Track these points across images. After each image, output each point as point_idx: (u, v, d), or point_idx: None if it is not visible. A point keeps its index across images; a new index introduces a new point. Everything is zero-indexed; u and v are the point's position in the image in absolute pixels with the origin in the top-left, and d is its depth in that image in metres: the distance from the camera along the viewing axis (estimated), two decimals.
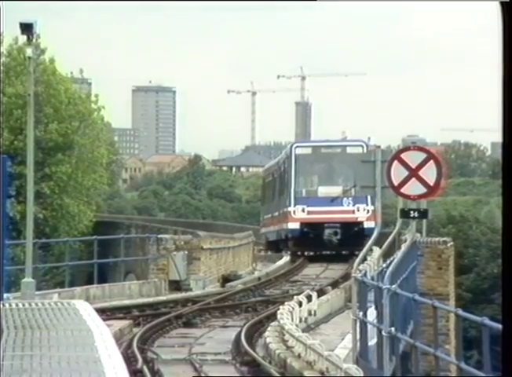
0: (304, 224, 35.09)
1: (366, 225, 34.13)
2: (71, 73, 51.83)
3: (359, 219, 34.58)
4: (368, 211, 34.26)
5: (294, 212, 35.12)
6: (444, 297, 25.84)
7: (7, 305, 14.82)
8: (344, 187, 35.05)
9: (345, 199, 34.81)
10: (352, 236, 33.99)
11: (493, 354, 10.53)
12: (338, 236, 34.95)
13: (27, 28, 18.87)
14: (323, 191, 35.34)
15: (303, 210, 35.09)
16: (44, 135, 42.69)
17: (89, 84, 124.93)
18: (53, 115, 43.84)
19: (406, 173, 14.66)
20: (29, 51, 19.58)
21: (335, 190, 35.01)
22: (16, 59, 43.30)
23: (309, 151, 36.24)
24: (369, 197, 33.08)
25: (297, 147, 36.49)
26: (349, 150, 34.91)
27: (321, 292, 22.80)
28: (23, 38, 21.10)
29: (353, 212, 34.73)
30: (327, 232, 34.91)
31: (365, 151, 32.99)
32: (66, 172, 43.93)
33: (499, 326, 10.04)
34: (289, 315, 17.49)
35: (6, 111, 41.25)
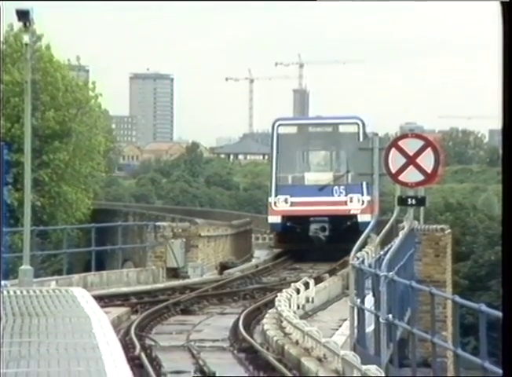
0: (286, 217, 29.49)
1: (360, 218, 28.89)
2: (68, 60, 51.72)
3: (352, 212, 29.28)
4: (363, 202, 29.23)
5: (275, 203, 29.57)
6: (441, 284, 25.88)
7: (5, 292, 14.83)
8: (335, 173, 29.87)
9: (335, 187, 29.50)
10: (343, 232, 28.39)
11: (490, 340, 10.56)
12: (326, 233, 29.26)
13: (23, 15, 18.83)
14: (311, 178, 29.77)
15: (286, 201, 29.44)
16: (41, 123, 42.63)
17: (87, 71, 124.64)
18: (51, 103, 43.75)
19: (404, 160, 14.66)
20: (26, 38, 19.54)
21: (324, 177, 29.69)
22: (12, 46, 43.18)
23: (293, 130, 30.34)
24: (364, 185, 28.80)
25: (279, 125, 30.27)
26: (341, 129, 29.80)
27: (319, 279, 22.83)
28: (18, 25, 21.05)
29: (345, 203, 29.36)
30: (312, 227, 29.21)
31: (361, 130, 29.30)
32: (63, 159, 43.90)
33: (496, 312, 10.06)
34: (286, 302, 17.52)
35: (3, 99, 41.17)
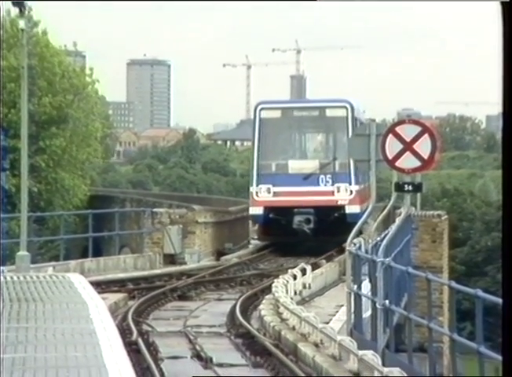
0: (269, 208, 27.15)
1: (348, 209, 26.78)
2: (65, 46, 51.62)
3: (339, 202, 26.97)
4: (351, 192, 26.96)
5: (257, 193, 27.15)
6: (437, 270, 25.93)
7: (2, 278, 14.85)
8: (322, 161, 27.47)
9: (322, 176, 27.11)
10: (330, 224, 26.64)
11: (486, 326, 10.60)
12: (311, 225, 26.81)
13: (19, 0, 18.78)
14: (295, 166, 27.28)
15: (268, 191, 27.07)
16: (38, 108, 42.54)
17: (84, 57, 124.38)
18: (47, 89, 43.66)
19: (400, 146, 14.66)
20: (22, 23, 19.49)
21: (310, 165, 27.29)
22: (8, 31, 43.05)
23: (277, 114, 27.74)
24: (353, 174, 26.89)
25: (262, 108, 27.71)
26: (329, 113, 27.40)
27: (316, 265, 22.87)
28: (15, 11, 20.99)
29: (332, 193, 27.02)
30: (296, 219, 26.80)
31: (349, 114, 27.00)
32: (60, 145, 43.84)
33: (492, 298, 10.09)
34: (283, 288, 17.56)
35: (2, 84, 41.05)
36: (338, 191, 27.04)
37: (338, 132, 27.62)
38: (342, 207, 26.93)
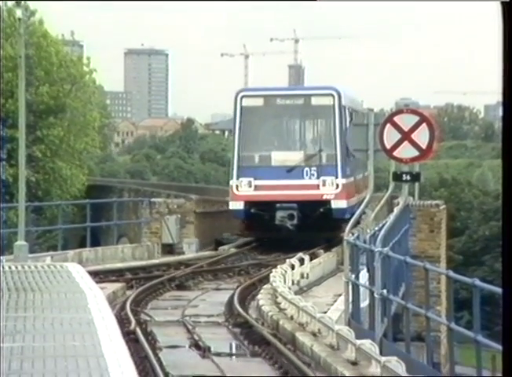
0: (250, 203, 25.48)
1: (334, 204, 25.26)
2: (63, 35, 51.51)
3: (325, 197, 25.35)
4: (338, 186, 25.36)
5: (237, 187, 25.50)
6: (435, 259, 25.97)
7: (0, 267, 14.85)
8: (306, 152, 25.82)
9: (306, 169, 25.46)
10: (315, 220, 25.13)
11: (483, 315, 10.62)
12: (295, 221, 25.07)
13: None
14: (278, 158, 25.62)
15: (249, 185, 25.41)
16: (35, 98, 42.49)
17: (81, 47, 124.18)
18: (44, 78, 43.59)
19: (399, 136, 14.67)
20: (19, 13, 19.45)
21: (294, 156, 25.62)
22: (5, 21, 42.95)
23: (259, 102, 25.99)
24: (340, 167, 25.42)
25: (243, 96, 25.99)
26: (314, 101, 25.75)
27: (313, 255, 22.89)
28: (12, 1, 20.93)
29: (317, 187, 25.37)
30: (279, 214, 25.14)
31: (336, 102, 25.44)
32: (58, 135, 43.80)
33: (490, 287, 10.11)
34: (281, 278, 17.58)
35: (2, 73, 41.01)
36: (324, 184, 25.46)
37: (325, 121, 26.33)
38: (328, 202, 25.38)
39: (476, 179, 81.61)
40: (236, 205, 25.73)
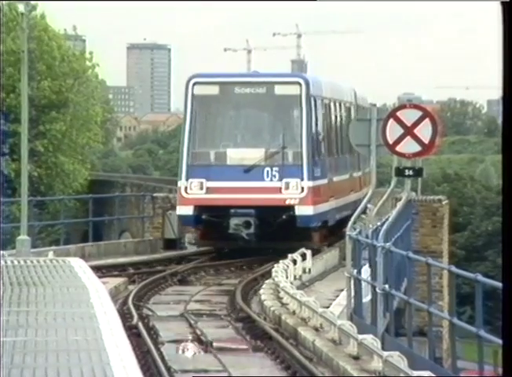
0: (201, 208, 22.11)
1: (298, 210, 21.76)
2: (65, 30, 51.47)
3: (288, 202, 21.87)
4: (303, 189, 21.89)
5: (186, 189, 22.14)
6: (437, 254, 25.96)
7: (2, 262, 14.87)
8: (268, 149, 22.26)
9: (267, 169, 21.98)
10: (276, 229, 21.81)
11: (485, 310, 10.62)
12: (252, 229, 21.62)
13: None
14: (235, 156, 22.25)
15: (200, 186, 22.06)
16: (37, 92, 42.48)
17: (84, 41, 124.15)
18: (47, 72, 43.58)
19: (401, 131, 14.66)
20: (21, 7, 19.44)
21: (253, 154, 22.10)
22: (6, 15, 42.95)
23: (214, 90, 22.57)
24: (306, 167, 22.00)
25: (195, 83, 22.57)
26: (278, 90, 22.34)
27: (316, 250, 22.89)
28: None
29: (279, 190, 21.93)
30: (233, 222, 21.67)
31: (303, 91, 22.12)
32: (60, 130, 43.80)
33: (492, 282, 10.12)
34: (284, 273, 17.59)
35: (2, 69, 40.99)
36: (287, 187, 21.93)
37: (290, 114, 22.86)
38: (291, 208, 21.86)
39: (479, 174, 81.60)
40: (185, 210, 22.23)
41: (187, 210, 22.26)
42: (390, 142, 14.75)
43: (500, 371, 6.57)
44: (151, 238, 26.79)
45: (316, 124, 22.88)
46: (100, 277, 14.76)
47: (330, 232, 23.89)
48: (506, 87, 5.43)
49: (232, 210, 21.77)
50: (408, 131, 14.65)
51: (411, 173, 14.89)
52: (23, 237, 19.64)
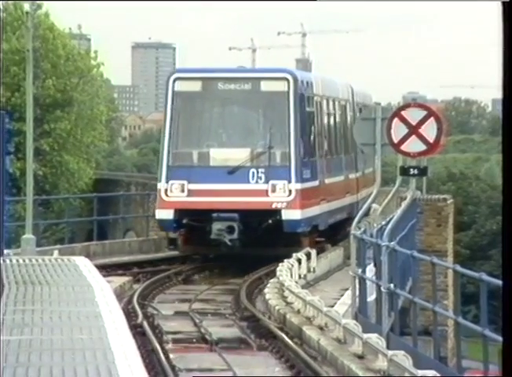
0: (182, 212, 20.69)
1: (285, 215, 20.40)
2: (70, 29, 51.48)
3: (274, 205, 20.49)
4: (291, 192, 20.52)
5: (166, 191, 20.79)
6: (442, 253, 25.95)
7: (7, 261, 14.90)
8: (254, 150, 20.94)
9: (253, 170, 20.61)
10: (261, 234, 20.40)
11: (490, 309, 10.62)
12: (235, 235, 20.17)
13: None
14: (218, 156, 20.94)
15: (181, 189, 20.67)
16: (41, 91, 42.53)
17: (89, 40, 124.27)
18: (51, 71, 43.62)
19: (406, 130, 14.66)
20: (27, 6, 19.47)
21: (238, 155, 20.78)
22: (11, 14, 43.00)
23: (196, 86, 21.25)
24: (294, 168, 20.68)
25: (177, 79, 21.43)
26: (264, 86, 21.03)
27: (320, 249, 22.89)
28: None
29: (266, 193, 20.53)
30: (216, 227, 20.23)
31: (291, 88, 20.85)
32: (65, 129, 43.84)
33: (497, 281, 10.11)
34: (288, 272, 17.59)
35: (3, 68, 41.03)
36: (274, 190, 20.54)
37: (277, 112, 21.33)
38: (278, 212, 20.44)
39: (483, 173, 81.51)
40: (164, 214, 20.78)
41: (167, 214, 20.85)
42: (395, 141, 14.74)
43: None
44: (155, 237, 26.80)
45: (306, 122, 21.52)
46: (105, 276, 14.77)
47: (327, 235, 22.69)
48: (506, 87, 5.43)
49: (215, 215, 20.33)
50: (413, 130, 14.64)
51: (415, 172, 14.88)
52: (28, 236, 19.67)
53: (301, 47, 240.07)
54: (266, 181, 20.68)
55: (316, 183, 21.97)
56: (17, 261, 15.40)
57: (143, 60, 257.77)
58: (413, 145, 14.65)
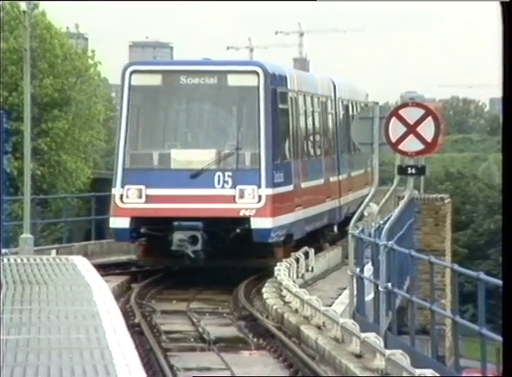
0: (139, 220, 18.65)
1: (254, 223, 18.35)
2: (67, 28, 51.47)
3: (242, 213, 18.43)
4: (260, 198, 18.48)
5: (122, 197, 18.68)
6: (440, 253, 25.97)
7: (5, 260, 14.89)
8: (220, 151, 18.83)
9: (219, 174, 18.55)
10: (228, 245, 18.43)
11: (488, 308, 10.63)
12: (198, 246, 18.18)
13: None
14: (180, 158, 18.88)
15: (139, 194, 18.59)
16: (39, 90, 42.50)
17: (86, 39, 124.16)
18: (49, 71, 43.58)
19: (404, 129, 14.66)
20: (23, 5, 19.45)
21: (202, 157, 18.70)
22: (9, 13, 42.98)
23: (156, 80, 19.14)
24: (264, 171, 18.64)
25: (133, 72, 19.17)
26: (231, 80, 18.93)
27: (318, 249, 22.89)
28: None
29: (233, 199, 18.48)
30: (177, 237, 18.19)
31: (262, 82, 18.82)
32: (63, 128, 43.80)
33: (495, 280, 10.12)
34: (286, 271, 17.59)
35: (1, 67, 41.02)
36: (242, 196, 18.46)
37: (246, 109, 19.41)
38: (247, 220, 18.40)
39: (481, 173, 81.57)
40: (120, 222, 18.67)
41: (122, 223, 18.64)
42: (393, 140, 14.74)
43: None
44: None
45: (279, 121, 19.34)
46: (102, 275, 14.74)
47: (306, 244, 20.19)
48: (506, 87, 5.43)
49: (176, 223, 18.24)
50: (411, 129, 14.65)
51: (413, 171, 14.89)
52: (26, 235, 19.66)
53: (299, 46, 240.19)
54: (233, 186, 18.58)
55: (290, 188, 19.90)
56: (15, 260, 15.39)
57: (140, 59, 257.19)
58: (411, 144, 14.66)
